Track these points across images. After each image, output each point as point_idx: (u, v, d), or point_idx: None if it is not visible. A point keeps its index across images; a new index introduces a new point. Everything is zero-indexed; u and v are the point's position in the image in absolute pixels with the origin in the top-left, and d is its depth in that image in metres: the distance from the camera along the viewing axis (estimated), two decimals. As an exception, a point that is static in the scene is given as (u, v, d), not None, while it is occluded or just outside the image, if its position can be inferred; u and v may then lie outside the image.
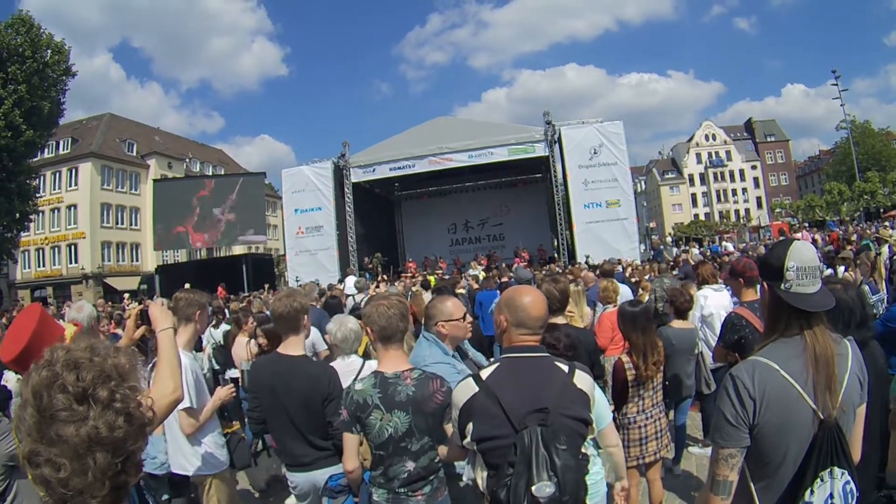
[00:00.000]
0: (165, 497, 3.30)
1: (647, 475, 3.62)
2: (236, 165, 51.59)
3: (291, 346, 2.86)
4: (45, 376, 1.02)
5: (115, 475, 1.03)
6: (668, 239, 41.21)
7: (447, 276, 13.61)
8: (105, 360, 1.07)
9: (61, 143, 35.96)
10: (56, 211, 36.07)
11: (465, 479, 2.23)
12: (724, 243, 24.18)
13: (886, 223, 24.20)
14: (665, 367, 3.69)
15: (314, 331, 4.35)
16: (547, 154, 17.57)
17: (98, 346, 1.09)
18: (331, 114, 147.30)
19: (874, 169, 41.42)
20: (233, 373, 5.62)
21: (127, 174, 38.90)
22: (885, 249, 9.11)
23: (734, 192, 61.42)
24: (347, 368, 3.13)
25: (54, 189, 35.88)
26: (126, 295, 23.00)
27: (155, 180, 30.23)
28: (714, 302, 4.82)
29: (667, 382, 3.86)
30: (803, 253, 1.56)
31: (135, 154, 39.90)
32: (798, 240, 1.70)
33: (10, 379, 3.54)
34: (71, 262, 35.76)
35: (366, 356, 3.52)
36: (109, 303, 17.82)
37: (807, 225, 33.35)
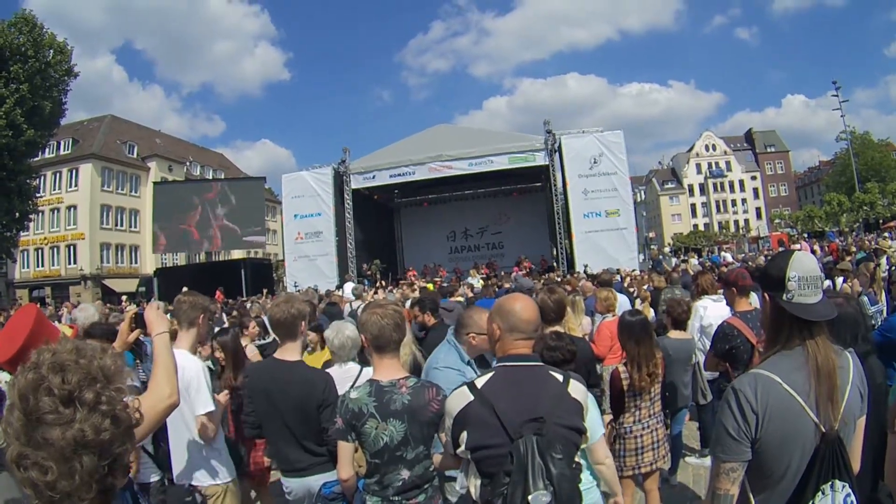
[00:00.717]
0: None
1: (644, 485, 3.61)
2: (237, 169, 51.76)
3: (288, 352, 2.84)
4: (31, 379, 1.01)
5: (102, 478, 1.02)
6: (667, 249, 41.29)
7: (446, 284, 13.60)
8: (91, 362, 1.06)
9: (62, 143, 36.02)
10: (56, 211, 36.07)
11: (458, 487, 2.21)
12: (723, 254, 24.18)
13: (886, 234, 24.26)
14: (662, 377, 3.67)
15: None
16: (547, 163, 17.64)
17: (84, 348, 1.08)
18: (332, 119, 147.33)
19: (874, 180, 41.52)
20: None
21: (127, 176, 38.96)
22: (883, 261, 9.11)
23: (734, 203, 61.59)
24: (344, 375, 3.12)
25: (54, 189, 35.88)
26: (124, 297, 22.99)
27: (155, 183, 30.33)
28: (713, 312, 4.80)
29: (667, 393, 3.85)
30: (805, 263, 1.55)
31: (135, 156, 39.98)
32: (799, 250, 1.69)
33: (3, 380, 3.51)
34: (70, 263, 35.71)
35: (364, 363, 3.50)
36: (107, 304, 17.76)
37: (806, 235, 33.38)
